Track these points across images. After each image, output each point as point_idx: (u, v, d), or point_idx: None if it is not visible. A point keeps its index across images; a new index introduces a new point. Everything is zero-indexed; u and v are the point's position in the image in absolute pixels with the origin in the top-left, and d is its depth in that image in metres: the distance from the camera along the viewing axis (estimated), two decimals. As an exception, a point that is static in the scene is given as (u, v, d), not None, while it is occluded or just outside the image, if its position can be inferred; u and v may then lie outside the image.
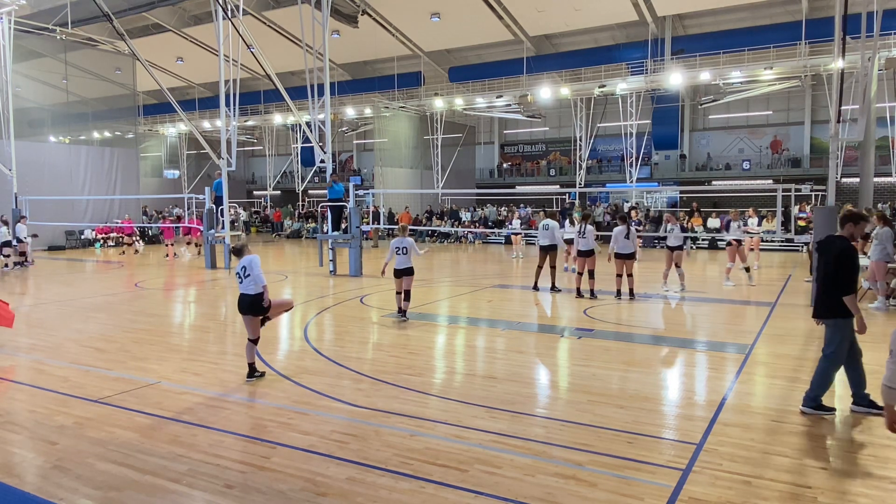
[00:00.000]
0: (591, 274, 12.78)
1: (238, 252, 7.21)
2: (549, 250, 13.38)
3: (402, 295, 10.43)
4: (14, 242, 19.38)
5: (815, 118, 33.01)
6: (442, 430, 5.53)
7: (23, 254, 19.56)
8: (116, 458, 4.95)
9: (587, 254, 12.76)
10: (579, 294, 12.84)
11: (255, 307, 7.08)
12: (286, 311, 7.91)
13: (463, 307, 12.29)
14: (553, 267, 13.53)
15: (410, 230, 12.98)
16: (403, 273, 10.40)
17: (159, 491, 4.42)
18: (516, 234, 22.91)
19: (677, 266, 13.62)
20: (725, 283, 14.72)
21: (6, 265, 18.88)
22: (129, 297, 13.48)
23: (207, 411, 6.06)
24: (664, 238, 14.35)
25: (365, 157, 45.25)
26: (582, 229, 12.91)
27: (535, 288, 13.72)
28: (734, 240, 14.70)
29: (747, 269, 14.69)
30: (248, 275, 7.01)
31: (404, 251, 10.38)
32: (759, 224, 18.45)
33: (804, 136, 33.24)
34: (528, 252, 22.54)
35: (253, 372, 7.17)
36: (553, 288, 13.47)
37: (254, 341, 7.20)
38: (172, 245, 23.10)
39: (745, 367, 7.55)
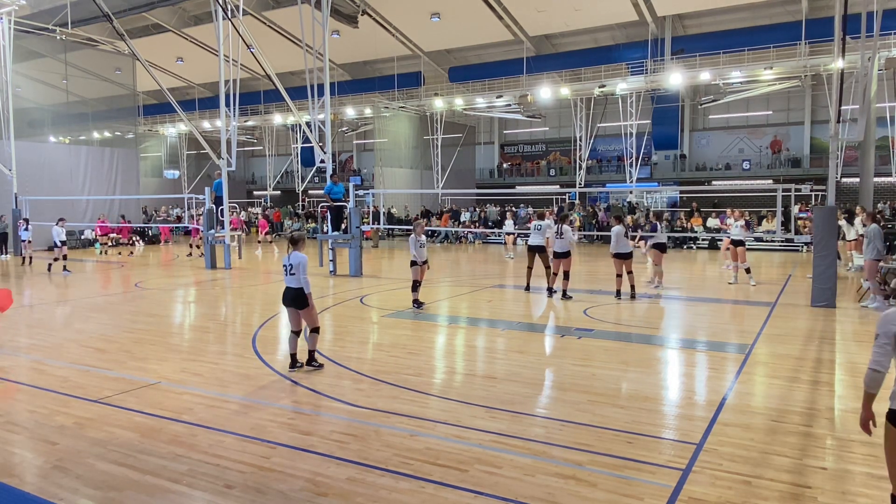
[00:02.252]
0: (567, 275, 12.72)
1: (294, 243, 7.38)
2: (538, 251, 13.25)
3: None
4: (57, 244, 18.19)
5: (815, 118, 33.03)
6: (442, 430, 5.53)
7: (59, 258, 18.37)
8: (116, 458, 4.94)
9: (563, 255, 12.69)
10: (550, 293, 12.87)
11: (298, 301, 7.28)
12: (315, 324, 7.53)
13: (463, 307, 12.29)
14: (548, 268, 13.22)
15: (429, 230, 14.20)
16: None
17: (159, 491, 4.41)
18: (510, 234, 22.75)
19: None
20: (730, 282, 14.85)
21: (63, 268, 17.68)
22: (129, 297, 13.48)
23: (207, 411, 6.06)
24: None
25: (365, 157, 45.27)
26: (559, 230, 12.79)
27: (527, 288, 13.67)
28: (734, 239, 14.71)
29: (748, 270, 14.70)
30: (294, 273, 7.23)
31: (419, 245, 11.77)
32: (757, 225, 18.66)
33: (804, 136, 33.26)
34: (524, 253, 22.46)
35: (295, 363, 7.44)
36: (549, 290, 13.17)
37: (296, 333, 7.47)
38: (169, 244, 23.14)
39: (745, 367, 7.55)
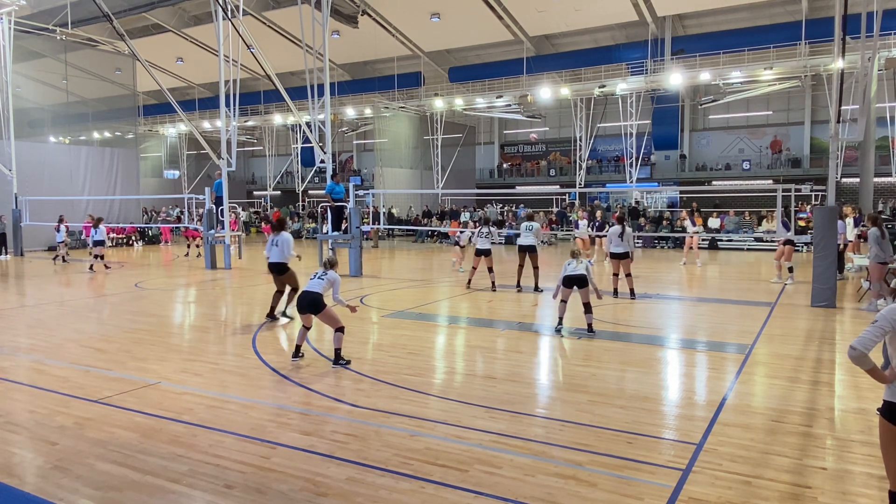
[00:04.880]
0: (490, 270, 14.01)
1: (330, 265, 7.97)
2: (528, 251, 13.68)
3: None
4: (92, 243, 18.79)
5: (815, 118, 33.03)
6: (442, 430, 5.53)
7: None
8: (116, 459, 4.94)
9: (485, 252, 13.88)
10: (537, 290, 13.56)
11: (315, 306, 7.65)
12: (337, 325, 7.83)
13: (463, 307, 12.29)
14: (536, 267, 13.72)
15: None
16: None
17: (159, 491, 4.42)
18: (460, 246, 18.44)
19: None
20: (781, 280, 14.89)
21: (91, 266, 18.11)
22: (129, 297, 13.48)
23: (207, 411, 6.06)
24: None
25: (365, 157, 45.28)
26: (487, 231, 14.08)
27: (518, 287, 13.85)
28: (787, 241, 14.87)
29: (791, 269, 14.93)
30: (321, 279, 7.73)
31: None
32: (695, 225, 19.37)
33: (804, 136, 33.26)
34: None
35: (297, 353, 7.92)
36: (536, 288, 13.59)
37: (306, 328, 7.93)
38: (169, 245, 23.16)
39: (745, 367, 7.55)
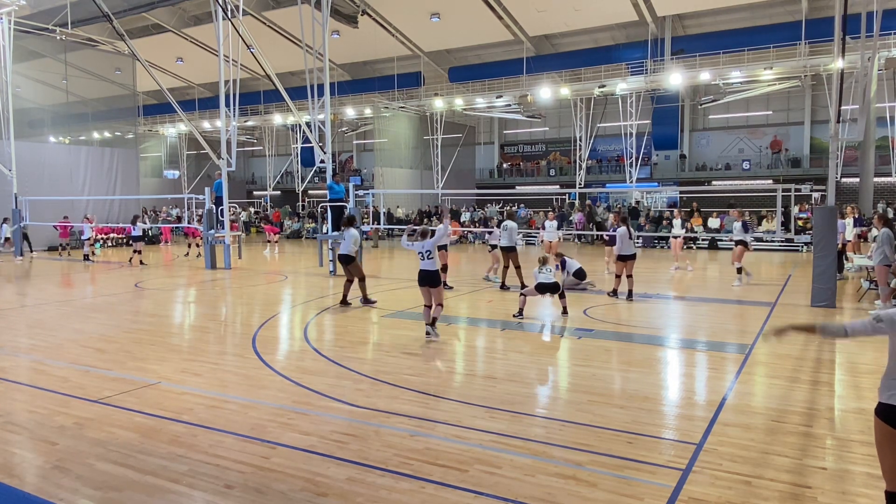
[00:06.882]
0: (444, 268, 13.96)
1: (424, 235, 9.26)
2: (507, 251, 13.85)
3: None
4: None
5: (815, 118, 33.04)
6: (442, 430, 5.53)
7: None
8: (116, 459, 4.94)
9: (443, 247, 14.26)
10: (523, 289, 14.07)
11: (433, 280, 8.97)
12: (440, 300, 9.15)
13: (463, 307, 12.28)
14: (517, 267, 13.88)
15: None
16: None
17: (159, 491, 4.41)
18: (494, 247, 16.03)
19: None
20: (734, 284, 14.70)
21: (141, 261, 19.85)
22: (129, 297, 13.48)
23: (207, 411, 6.06)
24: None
25: (365, 157, 45.28)
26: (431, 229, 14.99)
27: (503, 287, 14.05)
28: (739, 241, 14.70)
29: (739, 270, 14.66)
30: (431, 257, 8.97)
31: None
32: (683, 227, 18.89)
33: (804, 136, 33.26)
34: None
35: (433, 326, 9.00)
36: (522, 286, 13.59)
37: (428, 307, 9.07)
38: (169, 245, 23.21)
39: (745, 367, 7.55)
